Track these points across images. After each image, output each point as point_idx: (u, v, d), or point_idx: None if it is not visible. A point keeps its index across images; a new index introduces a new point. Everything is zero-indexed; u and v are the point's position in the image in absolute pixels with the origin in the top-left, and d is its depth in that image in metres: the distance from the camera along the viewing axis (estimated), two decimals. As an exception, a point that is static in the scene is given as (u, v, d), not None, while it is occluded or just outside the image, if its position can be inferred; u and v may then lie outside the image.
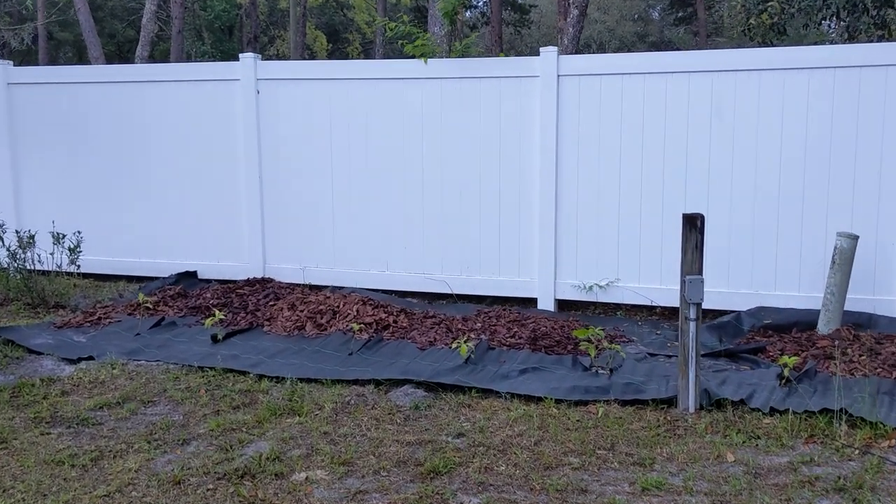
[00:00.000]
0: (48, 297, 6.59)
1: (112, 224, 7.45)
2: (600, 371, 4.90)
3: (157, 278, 7.32)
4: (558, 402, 4.39)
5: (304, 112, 6.95)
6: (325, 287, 6.96)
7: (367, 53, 35.31)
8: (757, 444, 3.83)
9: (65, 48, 32.34)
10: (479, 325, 5.87)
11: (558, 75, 6.31)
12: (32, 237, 6.55)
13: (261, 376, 4.90)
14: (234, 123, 7.09)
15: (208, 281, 7.26)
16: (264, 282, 6.99)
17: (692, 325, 4.11)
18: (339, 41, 35.52)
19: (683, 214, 4.14)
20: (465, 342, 5.10)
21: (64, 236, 6.60)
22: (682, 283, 4.11)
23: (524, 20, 31.94)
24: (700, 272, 4.09)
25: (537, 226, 6.48)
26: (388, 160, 6.80)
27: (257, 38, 29.86)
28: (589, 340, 4.97)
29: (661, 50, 30.17)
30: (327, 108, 6.89)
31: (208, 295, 6.61)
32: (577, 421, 4.15)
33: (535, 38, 34.65)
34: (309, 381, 4.82)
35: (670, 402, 4.34)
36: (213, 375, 4.93)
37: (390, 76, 6.75)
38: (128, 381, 4.85)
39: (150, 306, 6.29)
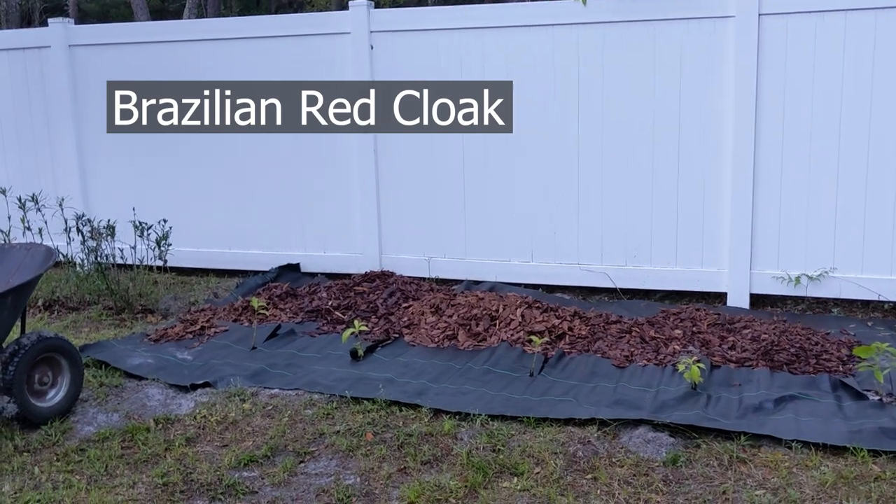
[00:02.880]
0: (132, 300, 5.49)
1: (197, 209, 6.31)
2: (885, 400, 3.70)
3: (250, 272, 6.20)
4: (874, 454, 3.21)
5: (427, 69, 5.72)
6: (456, 281, 5.80)
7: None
8: None
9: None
10: (679, 332, 4.67)
11: (759, 14, 5.03)
12: (112, 228, 5.44)
13: (436, 411, 3.76)
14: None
15: (313, 275, 6.13)
16: (384, 276, 5.83)
17: None
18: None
19: None
20: (693, 361, 3.91)
21: (150, 227, 5.48)
22: None
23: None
24: None
25: (728, 203, 5.25)
26: (533, 125, 5.57)
27: (291, 4, 28.44)
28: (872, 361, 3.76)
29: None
30: (457, 63, 5.66)
31: (324, 294, 5.47)
32: (924, 487, 2.97)
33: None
34: (502, 418, 3.68)
35: None
36: (373, 409, 3.80)
37: (535, 22, 5.49)
38: (266, 419, 3.73)
39: (262, 311, 5.17)
